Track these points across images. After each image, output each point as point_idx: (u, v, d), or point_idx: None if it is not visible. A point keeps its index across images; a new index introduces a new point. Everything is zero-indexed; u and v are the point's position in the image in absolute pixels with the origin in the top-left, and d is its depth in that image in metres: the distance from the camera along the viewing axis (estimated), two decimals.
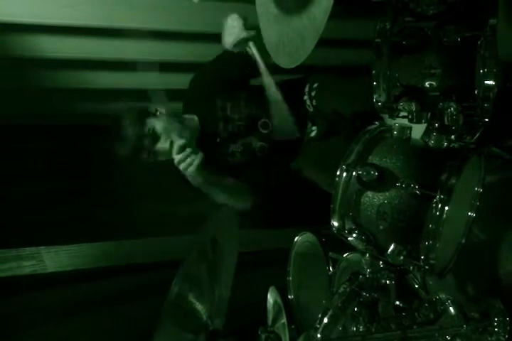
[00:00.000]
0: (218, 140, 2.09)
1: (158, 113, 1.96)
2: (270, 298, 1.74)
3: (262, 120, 2.12)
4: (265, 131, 2.13)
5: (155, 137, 1.88)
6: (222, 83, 2.12)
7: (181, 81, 2.48)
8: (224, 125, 2.08)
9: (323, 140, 2.12)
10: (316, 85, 2.16)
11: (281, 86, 2.18)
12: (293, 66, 1.47)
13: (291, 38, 1.41)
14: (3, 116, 2.29)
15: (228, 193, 2.01)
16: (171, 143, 1.87)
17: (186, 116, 2.13)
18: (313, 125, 2.15)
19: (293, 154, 2.18)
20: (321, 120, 2.13)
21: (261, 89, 2.13)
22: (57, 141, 2.40)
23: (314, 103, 2.15)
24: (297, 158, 2.18)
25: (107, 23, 2.14)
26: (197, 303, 1.02)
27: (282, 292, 1.67)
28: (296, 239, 1.93)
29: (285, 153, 2.17)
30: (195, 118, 2.11)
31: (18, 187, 2.25)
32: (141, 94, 2.50)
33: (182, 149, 1.84)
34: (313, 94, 2.16)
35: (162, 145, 1.88)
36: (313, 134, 2.15)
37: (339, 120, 2.07)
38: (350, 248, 1.39)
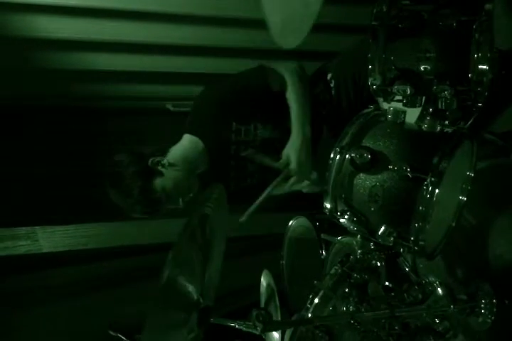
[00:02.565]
0: (233, 163, 1.98)
1: (159, 166, 1.82)
2: (264, 281, 1.75)
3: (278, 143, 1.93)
4: None
5: (167, 196, 1.82)
6: (238, 106, 1.91)
7: (183, 64, 2.48)
8: (236, 149, 1.95)
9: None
10: (330, 75, 1.97)
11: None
12: (295, 45, 1.46)
13: (294, 17, 1.40)
14: (1, 96, 2.28)
15: None
16: (183, 202, 1.84)
17: (187, 139, 1.94)
18: None
19: None
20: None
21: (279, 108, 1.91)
22: (55, 123, 2.40)
23: (333, 92, 1.96)
24: None
25: (109, 4, 2.12)
26: (188, 285, 1.03)
27: (276, 275, 1.68)
28: (290, 223, 1.95)
29: None
30: (200, 143, 1.92)
31: (15, 168, 2.25)
32: (143, 77, 2.50)
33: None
34: (332, 84, 1.97)
35: (174, 204, 1.84)
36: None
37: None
38: (343, 232, 1.41)
